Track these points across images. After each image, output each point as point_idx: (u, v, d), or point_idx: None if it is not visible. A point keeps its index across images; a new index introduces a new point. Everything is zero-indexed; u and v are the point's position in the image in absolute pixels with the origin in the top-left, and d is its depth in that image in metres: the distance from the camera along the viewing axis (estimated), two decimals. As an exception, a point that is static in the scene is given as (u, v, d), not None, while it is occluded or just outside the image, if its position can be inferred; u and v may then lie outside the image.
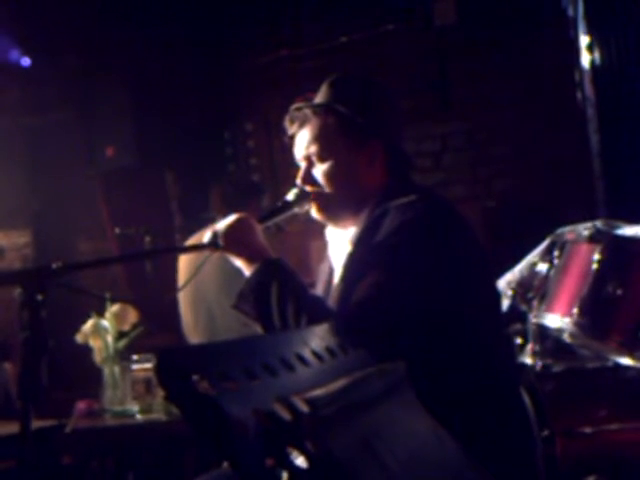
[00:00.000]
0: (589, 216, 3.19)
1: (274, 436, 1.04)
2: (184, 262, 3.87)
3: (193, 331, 3.91)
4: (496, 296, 2.17)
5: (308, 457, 1.03)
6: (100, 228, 5.69)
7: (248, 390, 1.11)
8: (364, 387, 1.26)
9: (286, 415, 1.05)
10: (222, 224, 2.14)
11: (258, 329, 2.03)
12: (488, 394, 1.98)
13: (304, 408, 1.06)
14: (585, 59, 5.01)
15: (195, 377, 1.04)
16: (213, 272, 3.29)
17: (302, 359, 1.28)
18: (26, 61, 5.47)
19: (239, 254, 2.10)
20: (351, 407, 1.17)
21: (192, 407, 1.02)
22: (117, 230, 5.12)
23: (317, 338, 1.40)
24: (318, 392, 1.14)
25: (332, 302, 2.05)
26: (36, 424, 3.18)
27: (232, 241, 2.10)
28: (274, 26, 5.71)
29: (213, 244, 2.13)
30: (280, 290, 1.98)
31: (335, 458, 1.05)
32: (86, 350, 3.44)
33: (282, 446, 1.03)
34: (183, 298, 3.93)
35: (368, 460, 1.14)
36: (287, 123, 2.22)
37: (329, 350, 1.36)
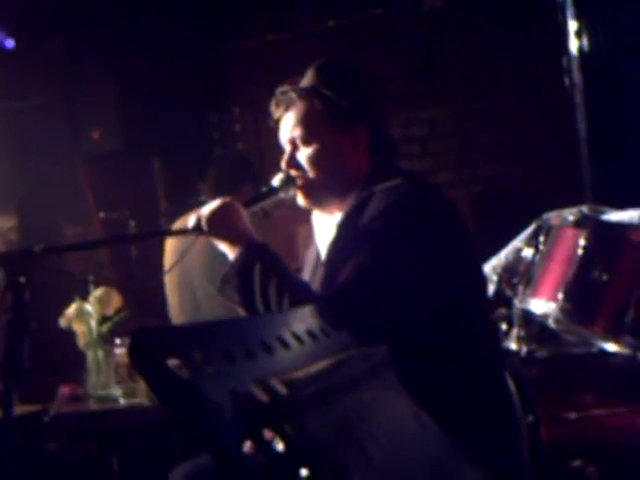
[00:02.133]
0: (576, 201, 3.18)
1: (251, 418, 1.02)
2: (170, 246, 3.85)
3: (179, 315, 3.89)
4: (482, 280, 2.17)
5: (285, 439, 1.02)
6: (86, 212, 5.65)
7: (226, 372, 1.09)
8: (344, 369, 1.25)
9: (263, 397, 1.03)
10: (206, 208, 2.13)
11: (242, 313, 2.02)
12: (472, 379, 1.98)
13: (282, 390, 1.05)
14: (573, 45, 4.99)
15: (171, 358, 1.02)
16: (198, 256, 3.28)
17: (283, 342, 1.26)
18: (10, 43, 5.41)
19: (223, 238, 2.09)
20: (330, 389, 1.16)
21: (167, 389, 1.00)
22: (102, 214, 5.10)
23: (298, 321, 1.39)
24: (297, 374, 1.12)
25: (317, 286, 2.04)
26: (19, 409, 3.17)
27: (216, 225, 2.09)
28: (262, 9, 5.67)
29: (197, 228, 2.12)
30: (263, 274, 1.97)
31: (313, 440, 1.04)
32: (70, 334, 3.43)
33: (259, 428, 1.02)
34: (169, 282, 3.91)
35: (347, 442, 1.12)
36: (273, 107, 2.21)
37: (310, 333, 1.35)
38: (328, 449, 1.05)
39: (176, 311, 3.90)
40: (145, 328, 1.03)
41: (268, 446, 1.03)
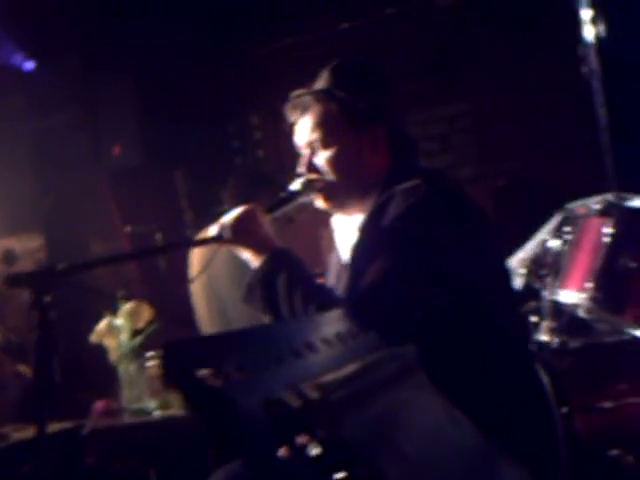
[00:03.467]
0: (599, 190, 3.16)
1: (284, 425, 1.03)
2: (196, 256, 3.86)
3: (207, 324, 3.91)
4: (507, 275, 2.14)
5: (320, 443, 1.02)
6: (112, 228, 5.69)
7: (257, 380, 1.10)
8: (374, 371, 1.25)
9: (295, 402, 1.04)
10: (228, 216, 2.13)
11: (267, 320, 2.02)
12: (504, 373, 1.97)
13: (313, 394, 1.05)
14: (589, 32, 4.96)
15: (202, 369, 1.03)
16: (224, 265, 3.29)
17: (311, 346, 1.26)
18: (29, 65, 5.47)
19: (246, 246, 2.09)
20: (362, 391, 1.16)
21: (200, 400, 1.01)
22: (128, 229, 5.12)
23: (326, 325, 1.39)
24: (327, 378, 1.13)
25: (341, 291, 2.04)
26: (55, 427, 3.19)
27: (238, 233, 2.10)
28: (276, 15, 5.68)
29: (220, 237, 2.12)
30: (288, 281, 1.97)
31: (347, 443, 1.04)
32: (101, 350, 3.45)
33: (293, 434, 1.02)
34: (196, 292, 3.92)
35: (382, 443, 1.13)
36: (288, 110, 2.21)
37: (338, 336, 1.35)
38: (363, 451, 1.05)
39: (204, 320, 3.92)
40: (175, 341, 1.04)
41: (303, 451, 1.04)
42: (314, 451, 1.04)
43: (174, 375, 1.04)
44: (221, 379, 1.06)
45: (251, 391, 1.07)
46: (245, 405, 1.03)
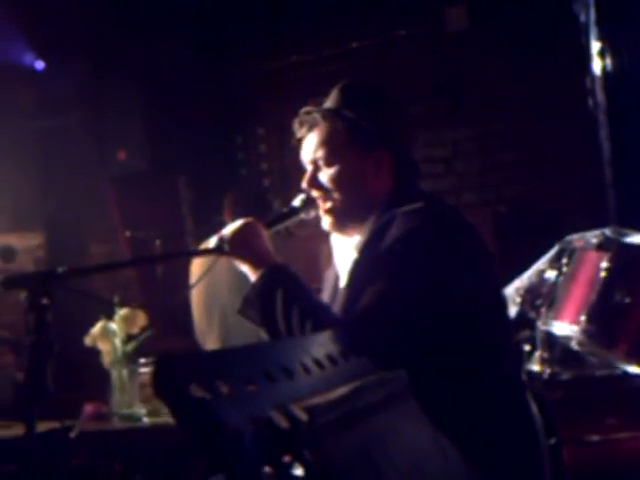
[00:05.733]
0: (600, 223, 3.17)
1: (271, 444, 1.04)
2: (197, 266, 3.87)
3: (206, 334, 3.90)
4: (502, 304, 2.16)
5: (305, 466, 1.03)
6: (112, 231, 5.71)
7: (246, 398, 1.11)
8: (364, 395, 1.26)
9: (284, 423, 1.05)
10: (228, 229, 2.15)
11: (264, 334, 2.03)
12: (495, 402, 1.98)
13: (302, 416, 1.06)
14: (597, 65, 4.98)
15: (192, 385, 1.04)
16: (226, 275, 3.30)
17: (303, 366, 1.27)
18: (40, 64, 5.50)
19: (245, 259, 2.10)
20: (351, 415, 1.17)
21: (189, 415, 1.02)
22: (128, 233, 5.14)
23: (319, 345, 1.40)
24: (317, 400, 1.14)
25: (337, 309, 2.05)
26: (43, 426, 3.19)
27: (238, 246, 2.11)
28: (287, 31, 5.71)
29: (219, 249, 2.13)
30: (285, 296, 1.98)
31: (333, 467, 1.05)
32: (95, 353, 3.45)
33: (279, 454, 1.03)
34: (196, 301, 3.93)
35: (367, 470, 1.14)
36: (296, 126, 2.22)
37: (330, 358, 1.36)
38: (347, 476, 1.06)
39: (203, 330, 3.92)
40: (168, 355, 1.05)
41: (287, 471, 1.05)
42: (298, 472, 1.05)
43: (164, 389, 1.05)
44: (211, 395, 1.07)
45: (240, 408, 1.08)
46: (233, 422, 1.04)
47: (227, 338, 3.76)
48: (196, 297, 3.88)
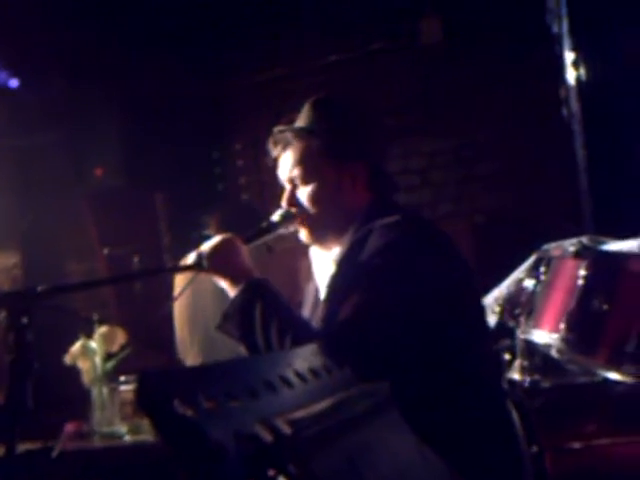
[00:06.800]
0: (576, 231, 3.20)
1: (256, 459, 1.04)
2: (180, 278, 3.85)
3: (189, 349, 3.89)
4: (482, 314, 2.17)
5: (290, 478, 1.03)
6: (89, 248, 5.68)
7: (230, 413, 1.11)
8: (348, 408, 1.26)
9: (268, 437, 1.04)
10: (207, 245, 2.15)
11: (243, 350, 2.03)
12: (476, 411, 1.99)
13: (286, 430, 1.06)
14: (571, 75, 5.03)
15: (176, 400, 1.03)
16: (211, 289, 3.28)
17: (285, 380, 1.27)
18: (14, 82, 5.47)
19: (224, 275, 2.11)
20: (335, 428, 1.17)
21: (172, 430, 1.02)
22: (106, 250, 5.12)
23: (301, 359, 1.40)
24: (301, 413, 1.13)
25: (318, 322, 2.05)
26: (24, 446, 3.17)
27: (216, 262, 2.11)
28: (263, 46, 5.72)
29: (198, 265, 2.13)
30: (264, 311, 1.98)
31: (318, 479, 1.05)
32: (75, 372, 3.43)
33: (264, 469, 1.03)
34: (179, 316, 3.91)
35: (352, 481, 1.13)
36: (271, 145, 2.23)
37: (312, 371, 1.36)
38: (332, 488, 1.06)
39: (186, 344, 3.90)
40: (151, 371, 1.04)
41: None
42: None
43: (147, 405, 1.04)
44: (194, 410, 1.07)
45: (223, 423, 1.08)
46: (217, 437, 1.04)
47: (210, 352, 3.74)
48: (179, 311, 3.87)
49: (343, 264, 2.07)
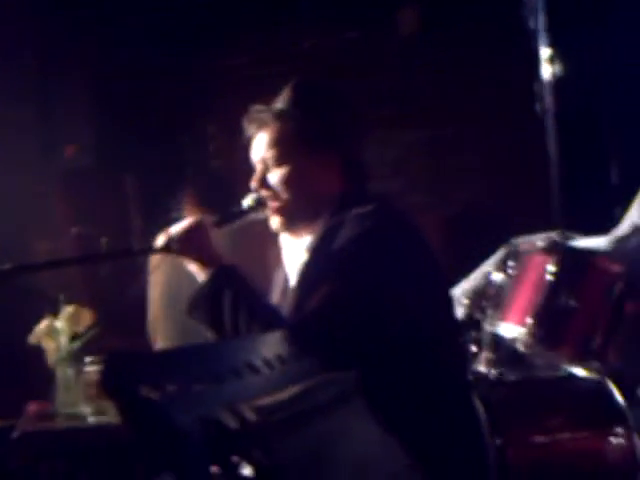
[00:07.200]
0: (547, 226, 3.21)
1: (220, 444, 1.03)
2: (155, 260, 3.81)
3: (162, 325, 3.83)
4: (449, 305, 2.17)
5: (255, 465, 1.03)
6: (57, 228, 5.62)
7: (194, 397, 1.10)
8: (314, 396, 1.25)
9: (233, 423, 1.04)
10: (176, 227, 2.13)
11: (210, 335, 2.02)
12: (441, 402, 1.99)
13: (251, 416, 1.05)
14: (546, 71, 5.05)
15: (141, 384, 1.02)
16: (186, 269, 3.26)
17: (252, 367, 1.26)
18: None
19: (193, 258, 2.09)
20: (299, 416, 1.16)
21: (136, 413, 1.01)
22: (74, 230, 5.07)
23: (268, 346, 1.39)
24: (267, 400, 1.13)
25: (287, 309, 2.04)
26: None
27: (186, 245, 2.10)
28: (238, 30, 5.68)
29: (167, 247, 2.12)
30: (233, 297, 1.97)
31: (282, 466, 1.05)
32: (39, 351, 3.40)
33: (228, 454, 1.02)
34: (154, 294, 3.86)
35: (317, 469, 1.13)
36: (246, 124, 2.21)
37: (280, 358, 1.35)
38: (297, 475, 1.05)
39: (159, 321, 3.85)
40: (116, 354, 1.03)
41: (235, 470, 1.04)
42: (246, 471, 1.04)
43: (112, 386, 1.03)
44: (159, 394, 1.06)
45: (188, 408, 1.07)
46: (181, 421, 1.03)
47: (183, 333, 3.70)
48: (154, 289, 3.82)
49: (315, 252, 2.06)
